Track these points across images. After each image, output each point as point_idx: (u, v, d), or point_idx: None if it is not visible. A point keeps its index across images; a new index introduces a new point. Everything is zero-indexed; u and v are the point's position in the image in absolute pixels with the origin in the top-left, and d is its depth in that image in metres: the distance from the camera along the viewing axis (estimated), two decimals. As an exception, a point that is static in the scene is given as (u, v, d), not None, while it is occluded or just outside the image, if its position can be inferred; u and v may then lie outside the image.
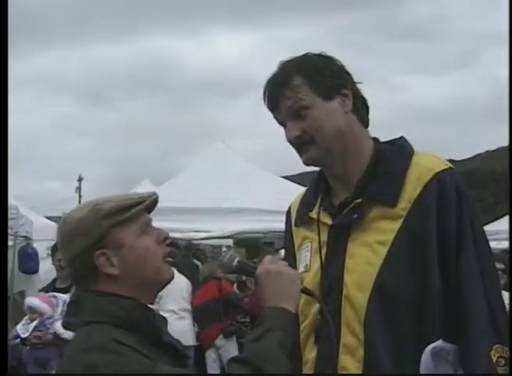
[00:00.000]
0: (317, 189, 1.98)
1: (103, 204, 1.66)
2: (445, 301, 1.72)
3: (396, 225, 1.75)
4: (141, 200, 1.69)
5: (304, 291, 1.73)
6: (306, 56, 1.87)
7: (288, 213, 2.08)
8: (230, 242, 14.17)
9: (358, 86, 1.88)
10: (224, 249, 15.53)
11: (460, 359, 1.69)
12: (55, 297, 4.79)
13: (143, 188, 11.08)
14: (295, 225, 2.02)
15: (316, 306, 1.83)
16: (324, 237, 1.87)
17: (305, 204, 1.99)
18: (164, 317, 1.75)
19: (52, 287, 5.18)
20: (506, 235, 12.72)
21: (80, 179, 43.62)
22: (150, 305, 1.69)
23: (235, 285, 9.36)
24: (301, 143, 1.83)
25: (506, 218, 16.56)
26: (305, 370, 1.86)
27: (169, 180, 9.10)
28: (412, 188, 1.77)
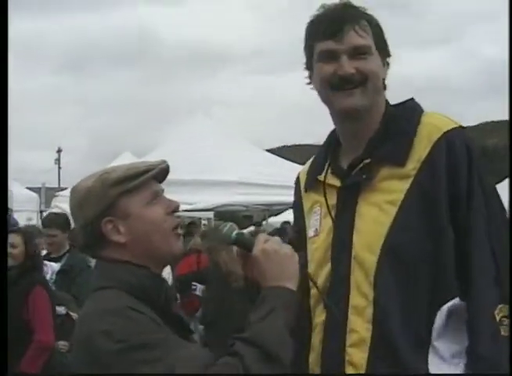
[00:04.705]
0: (327, 152, 1.96)
1: (111, 172, 1.66)
2: (455, 260, 1.71)
3: (405, 185, 1.74)
4: (149, 169, 1.68)
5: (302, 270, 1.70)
6: (369, 12, 1.86)
7: (297, 180, 2.07)
8: (210, 215, 14.16)
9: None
10: (204, 222, 15.53)
11: (468, 316, 1.69)
12: (45, 265, 4.84)
13: (124, 160, 11.06)
14: (305, 191, 2.01)
15: (326, 270, 1.82)
16: (333, 200, 1.85)
17: (315, 168, 1.98)
18: (172, 289, 1.74)
19: (47, 258, 5.25)
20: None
21: (59, 151, 43.16)
22: None
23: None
24: (348, 82, 1.78)
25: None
26: (314, 335, 1.86)
27: (151, 152, 9.08)
28: (421, 148, 1.75)
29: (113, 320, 1.49)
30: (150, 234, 1.64)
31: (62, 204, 9.50)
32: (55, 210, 9.16)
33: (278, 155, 9.71)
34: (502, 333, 1.66)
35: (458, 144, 1.74)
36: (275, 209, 11.30)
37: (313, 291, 1.87)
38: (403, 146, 1.77)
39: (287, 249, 1.66)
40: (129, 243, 1.63)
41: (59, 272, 4.96)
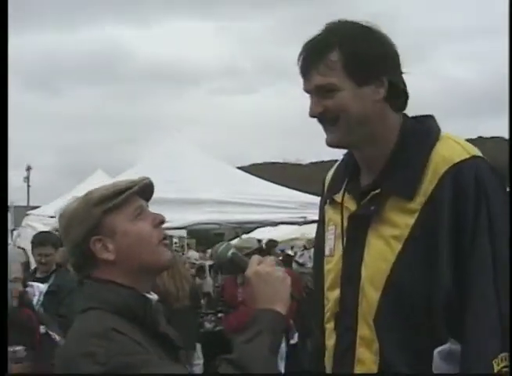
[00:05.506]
0: (346, 168, 1.92)
1: (94, 192, 1.70)
2: (457, 301, 1.63)
3: (411, 220, 1.68)
4: (131, 185, 1.70)
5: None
6: (355, 27, 1.76)
7: (323, 186, 2.03)
8: (182, 232, 14.18)
9: (400, 69, 1.78)
10: (175, 240, 15.49)
11: (460, 363, 1.60)
12: (31, 286, 4.81)
13: (96, 178, 11.03)
14: (324, 202, 1.99)
15: (336, 294, 1.83)
16: (346, 223, 1.84)
17: (332, 184, 1.95)
18: (160, 307, 1.75)
19: (32, 278, 5.21)
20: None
21: (28, 169, 42.75)
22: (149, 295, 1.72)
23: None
24: (323, 121, 1.78)
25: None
26: (326, 358, 1.88)
27: (124, 171, 9.09)
28: (428, 181, 1.68)
29: (97, 343, 1.51)
30: (138, 249, 1.67)
31: (34, 223, 9.43)
32: (27, 229, 9.13)
33: (248, 173, 9.77)
34: None
35: (466, 177, 1.64)
36: (247, 227, 11.37)
37: (326, 308, 1.89)
38: (412, 178, 1.70)
39: (280, 272, 1.68)
40: (118, 260, 1.66)
41: (47, 294, 4.90)
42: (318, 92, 1.74)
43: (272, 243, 11.28)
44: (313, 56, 1.73)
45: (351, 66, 1.71)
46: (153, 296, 1.74)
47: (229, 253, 1.76)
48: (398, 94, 1.77)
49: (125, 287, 1.65)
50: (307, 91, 1.78)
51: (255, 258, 1.72)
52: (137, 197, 1.73)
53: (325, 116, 1.75)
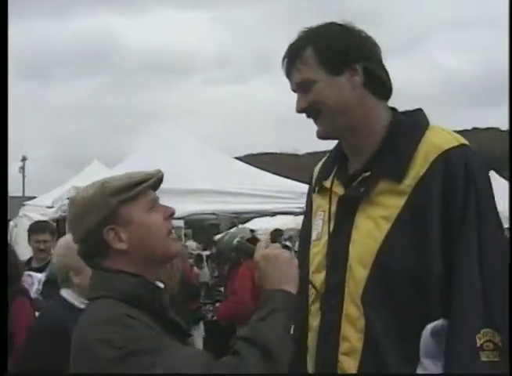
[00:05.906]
0: (335, 157, 1.99)
1: (110, 182, 1.72)
2: (446, 280, 1.69)
3: (401, 202, 1.74)
4: (147, 178, 1.74)
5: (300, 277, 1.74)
6: (327, 26, 1.88)
7: (311, 178, 2.11)
8: (180, 223, 14.20)
9: (379, 58, 1.87)
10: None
11: (446, 338, 1.66)
12: (30, 276, 4.81)
13: (93, 169, 11.06)
14: (313, 191, 2.06)
15: (323, 275, 1.87)
16: (335, 207, 1.89)
17: (322, 172, 2.02)
18: (167, 295, 1.78)
19: (27, 267, 5.22)
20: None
21: (24, 159, 42.67)
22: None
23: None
24: (309, 115, 1.88)
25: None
26: (310, 337, 1.92)
27: (121, 162, 9.08)
28: (419, 165, 1.74)
29: (111, 329, 1.54)
30: (150, 239, 1.71)
31: (30, 213, 9.47)
32: (24, 219, 9.15)
33: (245, 163, 9.76)
34: (484, 359, 1.61)
35: (455, 164, 1.72)
36: (243, 217, 11.40)
37: (311, 292, 1.94)
38: (402, 162, 1.77)
39: (287, 254, 1.74)
40: (130, 249, 1.69)
41: (46, 283, 4.88)
42: (300, 89, 1.86)
43: (277, 232, 11.38)
44: (291, 57, 1.86)
45: (324, 58, 1.82)
46: (161, 284, 1.77)
47: (235, 241, 1.85)
48: (377, 81, 1.85)
49: (135, 275, 1.68)
50: (293, 90, 1.90)
51: (262, 242, 1.80)
52: (150, 189, 1.76)
53: (309, 110, 1.86)
